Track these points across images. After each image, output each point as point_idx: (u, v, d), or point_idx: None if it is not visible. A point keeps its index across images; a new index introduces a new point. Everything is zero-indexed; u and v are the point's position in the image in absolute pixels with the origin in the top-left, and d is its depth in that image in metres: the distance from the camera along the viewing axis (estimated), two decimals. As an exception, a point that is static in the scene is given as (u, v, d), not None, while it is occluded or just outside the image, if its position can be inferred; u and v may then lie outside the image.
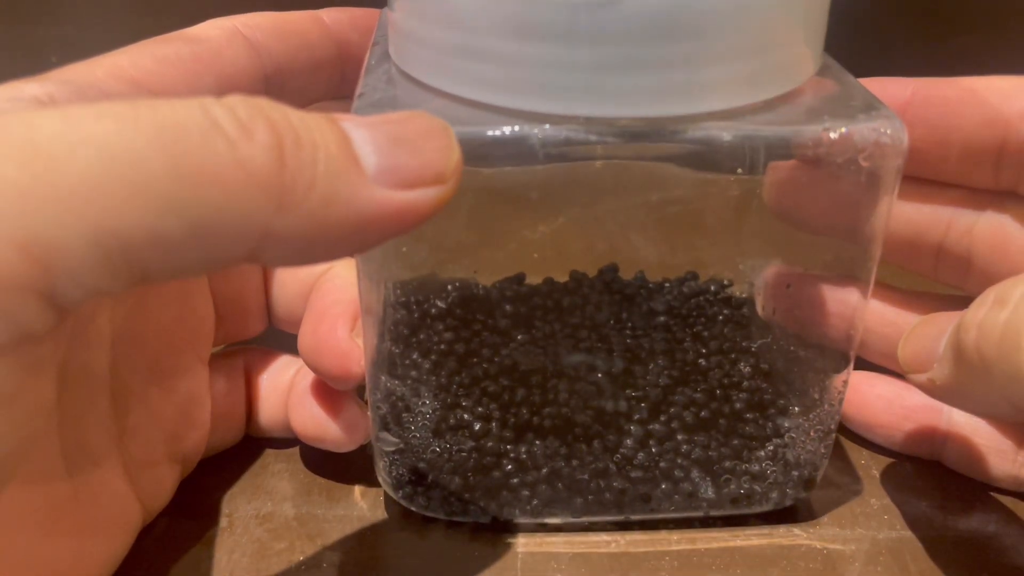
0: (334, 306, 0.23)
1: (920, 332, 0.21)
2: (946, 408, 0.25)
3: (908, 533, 0.24)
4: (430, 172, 0.16)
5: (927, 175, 0.24)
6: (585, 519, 0.24)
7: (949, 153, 0.23)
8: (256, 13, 0.23)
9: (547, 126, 0.18)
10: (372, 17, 0.25)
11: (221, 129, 0.14)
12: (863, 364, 0.27)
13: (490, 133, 0.18)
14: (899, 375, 0.26)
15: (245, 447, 0.26)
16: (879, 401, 0.26)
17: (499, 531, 0.24)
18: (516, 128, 0.18)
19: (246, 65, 0.22)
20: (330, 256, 0.16)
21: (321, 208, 0.14)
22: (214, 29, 0.22)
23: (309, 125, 0.15)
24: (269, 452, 0.26)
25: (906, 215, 0.25)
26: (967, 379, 0.19)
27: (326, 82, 0.25)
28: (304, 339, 0.23)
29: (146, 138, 0.13)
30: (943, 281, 0.26)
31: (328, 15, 0.25)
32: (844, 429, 0.27)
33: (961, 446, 0.25)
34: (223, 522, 0.24)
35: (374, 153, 0.15)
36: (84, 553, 0.20)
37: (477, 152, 0.18)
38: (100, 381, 0.21)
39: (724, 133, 0.18)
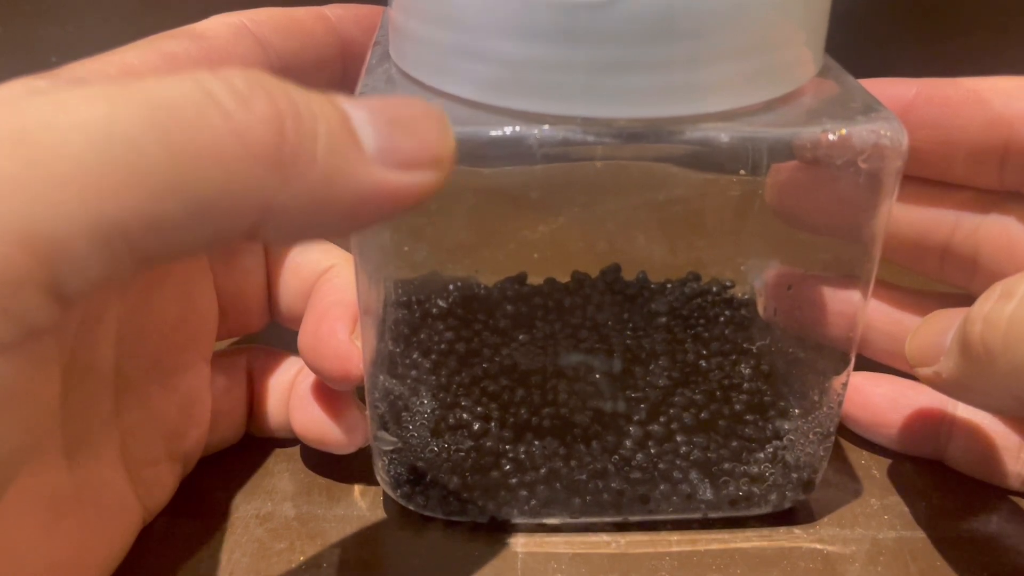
0: (335, 307, 0.23)
1: (928, 326, 0.21)
2: (950, 407, 0.25)
3: (908, 533, 0.24)
4: (427, 155, 0.16)
5: (932, 176, 0.24)
6: (583, 520, 0.24)
7: (953, 154, 0.23)
8: (262, 9, 0.23)
9: (546, 127, 0.18)
10: (375, 14, 0.25)
11: (217, 101, 0.14)
12: (866, 365, 0.27)
13: (488, 133, 0.18)
14: (903, 374, 0.26)
15: (246, 447, 0.26)
16: (883, 401, 0.26)
17: (500, 531, 0.24)
18: (514, 128, 0.18)
19: (253, 62, 0.22)
20: (326, 234, 0.16)
21: (322, 184, 0.14)
22: (221, 26, 0.22)
23: (309, 99, 0.15)
24: (269, 452, 0.26)
25: (911, 216, 0.25)
26: (972, 372, 0.19)
27: (328, 79, 0.25)
28: (304, 339, 0.23)
29: (139, 118, 0.13)
30: (949, 282, 0.26)
31: (332, 12, 0.25)
32: (844, 429, 0.27)
33: (965, 445, 0.25)
34: (223, 522, 0.24)
35: (373, 133, 0.15)
36: (85, 552, 0.20)
37: (476, 152, 0.18)
38: (105, 379, 0.21)
39: (722, 135, 0.18)
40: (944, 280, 0.26)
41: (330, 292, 0.24)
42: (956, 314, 0.20)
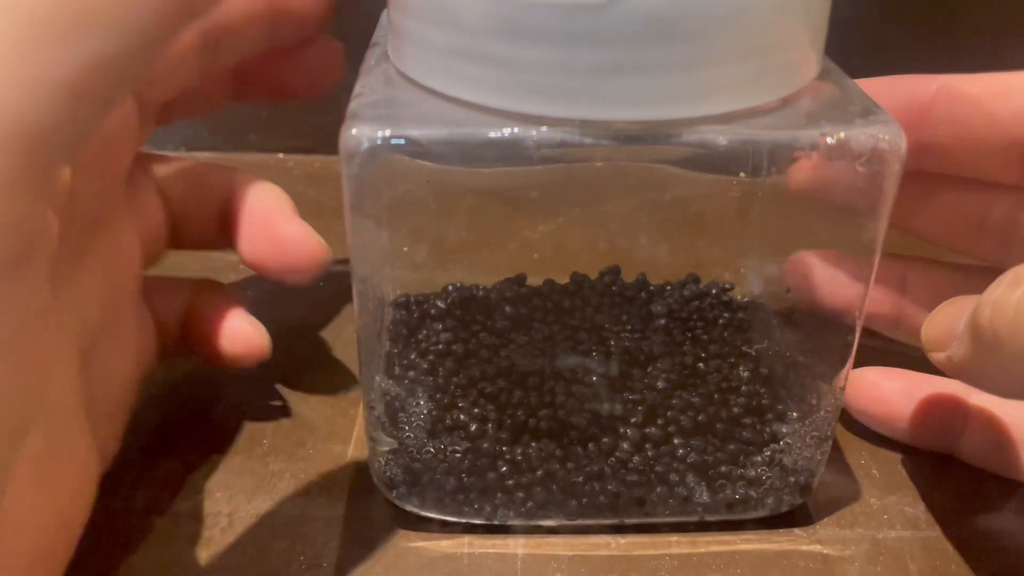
0: (275, 211, 0.24)
1: (943, 312, 0.21)
2: (964, 400, 0.25)
3: (908, 533, 0.24)
4: None
5: (958, 172, 0.24)
6: (579, 522, 0.24)
7: (978, 150, 0.23)
8: None
9: (544, 128, 0.18)
10: None
11: None
12: (875, 360, 0.26)
13: (486, 135, 0.18)
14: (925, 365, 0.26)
15: (245, 447, 0.26)
16: (897, 395, 0.26)
17: (500, 531, 0.24)
18: (512, 130, 0.18)
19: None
20: None
21: None
22: None
23: None
24: (269, 452, 0.27)
25: (942, 209, 0.25)
26: (982, 357, 0.19)
27: (257, 37, 0.25)
28: (256, 244, 0.23)
29: None
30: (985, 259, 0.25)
31: None
32: (845, 427, 0.27)
33: (979, 438, 0.25)
34: (223, 522, 0.24)
35: None
36: (64, 513, 0.20)
37: (474, 153, 0.18)
38: (72, 338, 0.21)
39: (721, 137, 0.18)
40: (981, 257, 0.25)
41: (261, 198, 0.24)
42: (970, 300, 0.20)
